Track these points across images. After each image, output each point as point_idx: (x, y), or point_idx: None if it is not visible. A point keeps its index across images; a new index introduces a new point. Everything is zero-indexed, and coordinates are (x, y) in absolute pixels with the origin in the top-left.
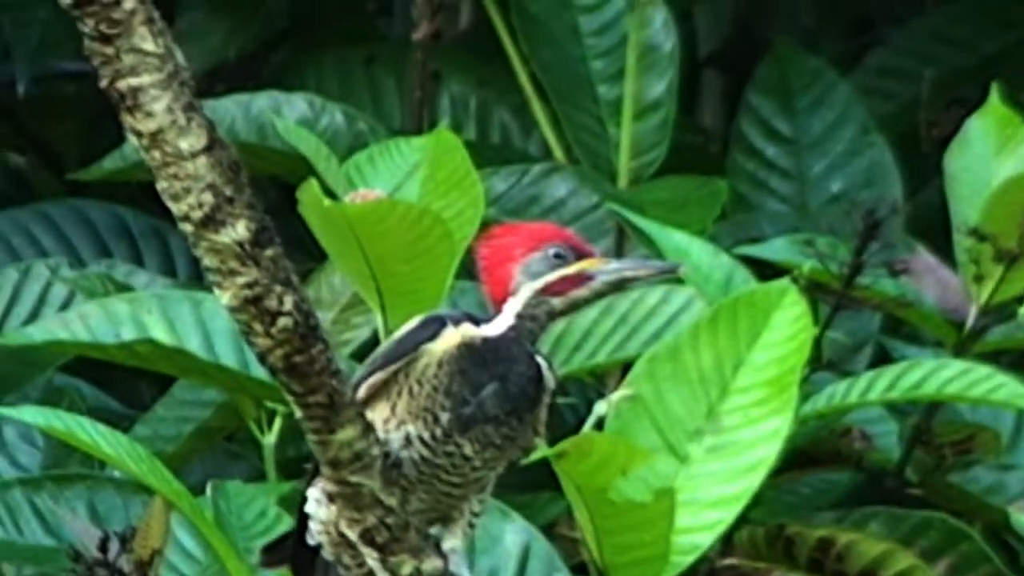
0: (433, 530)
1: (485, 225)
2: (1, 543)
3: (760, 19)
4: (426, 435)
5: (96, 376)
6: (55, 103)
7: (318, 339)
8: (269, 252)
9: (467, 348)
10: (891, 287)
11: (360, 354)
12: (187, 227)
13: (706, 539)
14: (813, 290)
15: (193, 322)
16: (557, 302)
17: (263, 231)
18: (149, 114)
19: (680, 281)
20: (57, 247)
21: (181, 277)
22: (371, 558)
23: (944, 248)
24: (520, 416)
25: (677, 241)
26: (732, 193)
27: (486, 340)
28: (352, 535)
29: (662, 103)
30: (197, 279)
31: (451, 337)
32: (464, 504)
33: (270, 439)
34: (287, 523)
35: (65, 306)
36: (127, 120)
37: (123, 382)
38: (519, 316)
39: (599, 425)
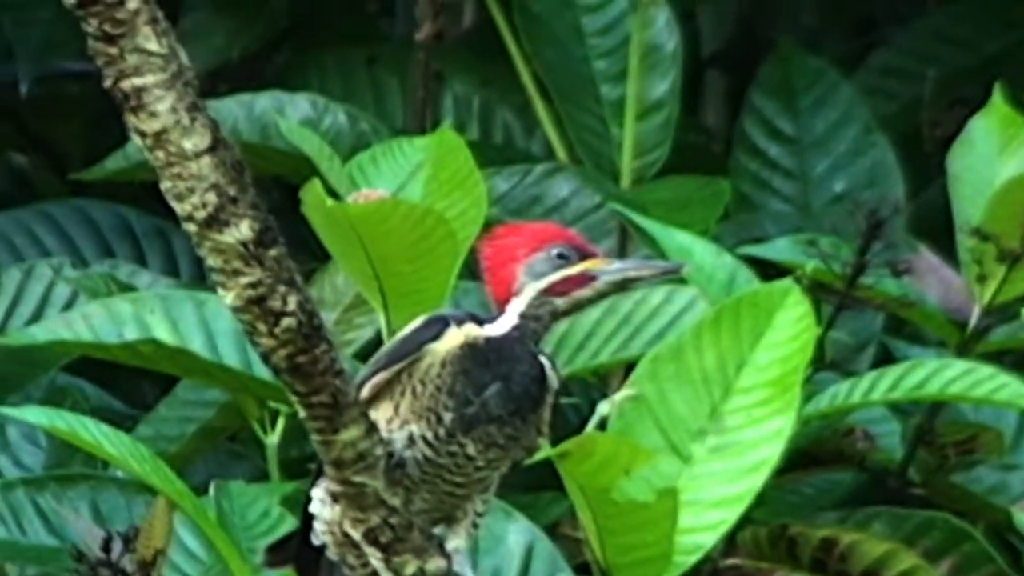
0: (437, 530)
1: (488, 225)
2: (4, 543)
3: (763, 19)
4: (429, 435)
5: (99, 376)
6: (58, 103)
7: (322, 339)
8: (273, 252)
9: (470, 348)
10: (894, 287)
11: (363, 354)
12: (191, 227)
13: (709, 539)
14: (816, 290)
15: (196, 322)
16: (560, 302)
17: (267, 231)
18: (153, 114)
19: (683, 281)
20: (60, 247)
21: (184, 277)
22: (375, 558)
23: (947, 248)
24: (523, 416)
25: (680, 241)
26: (735, 193)
27: (489, 340)
28: (356, 535)
29: (665, 103)
30: (200, 279)
31: (454, 337)
32: (468, 504)
33: (273, 439)
34: (290, 523)
35: (68, 306)
36: (131, 120)
37: (126, 382)
38: (522, 316)
39: (602, 425)
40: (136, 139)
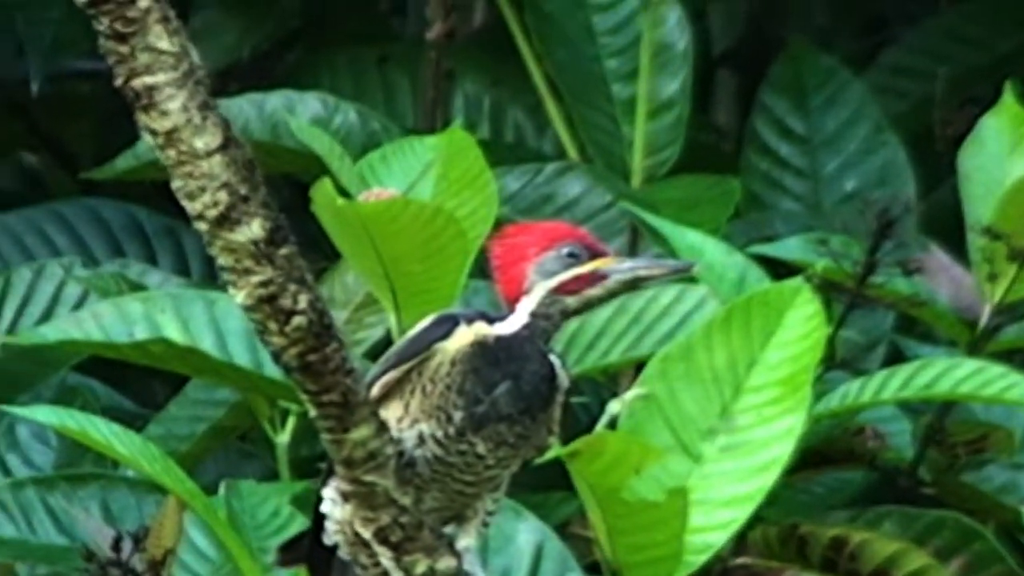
0: (447, 529)
1: (499, 224)
2: (15, 542)
3: (774, 18)
4: (439, 434)
5: (109, 375)
6: (69, 102)
7: (332, 338)
8: (284, 251)
9: (480, 347)
10: (905, 286)
11: (374, 353)
12: (202, 226)
13: (719, 538)
14: (827, 289)
15: (206, 321)
16: (571, 301)
17: (278, 230)
18: (164, 113)
19: (693, 280)
20: (71, 246)
21: (195, 276)
22: (385, 557)
23: (958, 247)
24: (533, 415)
25: (691, 240)
26: (746, 192)
27: (499, 339)
28: (366, 534)
29: (676, 102)
30: (211, 278)
31: (464, 336)
32: (478, 503)
33: (283, 438)
34: (300, 522)
35: (79, 305)
36: (142, 119)
37: (136, 381)
38: (533, 315)
39: (612, 424)
40: (147, 138)
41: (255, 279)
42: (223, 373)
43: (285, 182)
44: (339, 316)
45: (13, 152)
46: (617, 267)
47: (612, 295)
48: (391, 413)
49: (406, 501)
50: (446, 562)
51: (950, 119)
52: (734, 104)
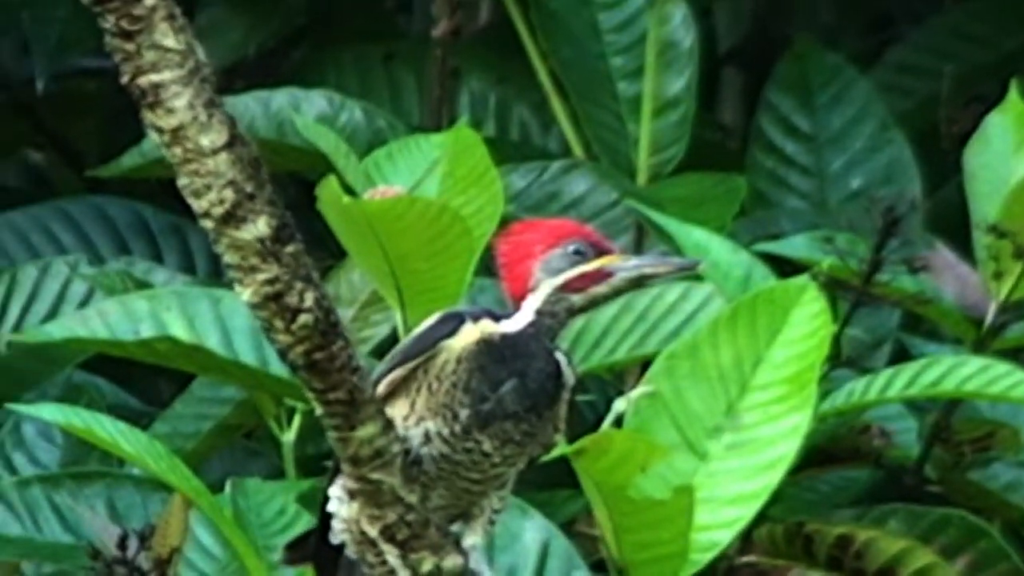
0: (454, 527)
1: (504, 222)
2: (20, 540)
3: (779, 16)
4: (445, 431)
5: (115, 373)
6: (74, 100)
7: (339, 335)
8: (290, 248)
9: (486, 344)
10: (910, 284)
11: (379, 351)
12: (208, 224)
13: (725, 536)
14: (832, 287)
15: (212, 319)
16: (577, 299)
17: (284, 227)
18: (170, 110)
19: (699, 278)
20: (76, 244)
21: (200, 274)
22: (392, 555)
23: (964, 245)
24: (539, 412)
25: (696, 238)
26: (751, 190)
27: (505, 336)
28: (373, 532)
29: (681, 100)
30: (216, 276)
31: (470, 333)
32: (484, 501)
33: (289, 436)
34: (306, 521)
35: (84, 303)
36: (148, 116)
37: (142, 379)
38: (539, 312)
39: (618, 422)
40: (153, 135)
41: (261, 277)
42: (229, 371)
43: (291, 180)
44: (345, 314)
45: (19, 150)
46: (623, 265)
47: (618, 293)
48: (397, 411)
49: (412, 499)
50: (452, 560)
51: (956, 117)
52: (740, 102)
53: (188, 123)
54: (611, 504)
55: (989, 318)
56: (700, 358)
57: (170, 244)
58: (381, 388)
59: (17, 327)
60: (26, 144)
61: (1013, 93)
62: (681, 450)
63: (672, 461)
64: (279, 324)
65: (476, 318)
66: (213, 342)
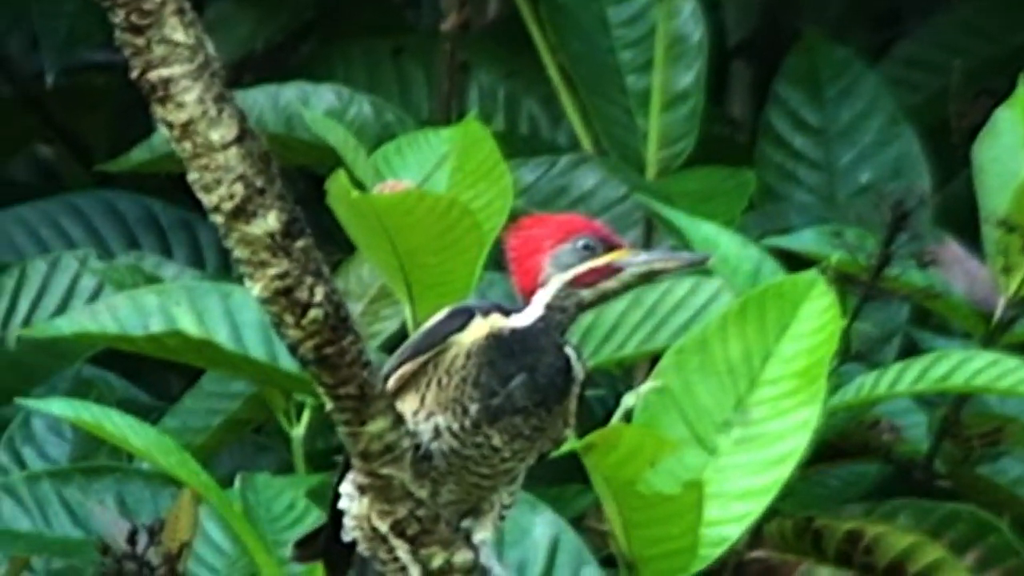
0: (464, 523)
1: (513, 216)
2: (30, 535)
3: (788, 10)
4: (455, 426)
5: (125, 368)
6: (84, 94)
7: (349, 330)
8: (300, 243)
9: (495, 339)
10: (919, 278)
11: (389, 346)
12: (218, 218)
13: (734, 531)
14: (841, 281)
15: (221, 314)
16: (586, 293)
17: (294, 222)
18: (180, 105)
19: (708, 272)
20: (86, 238)
21: (210, 269)
22: (402, 550)
23: (972, 239)
24: (549, 407)
25: (705, 232)
26: (760, 184)
27: (515, 331)
28: (383, 527)
29: (690, 93)
30: (226, 271)
31: (479, 328)
32: (494, 496)
33: (299, 431)
34: (316, 515)
35: (94, 298)
36: (158, 111)
37: (152, 374)
38: (548, 307)
39: (627, 417)
40: (163, 130)
41: (271, 272)
42: (238, 366)
43: (300, 174)
44: (355, 308)
45: (28, 144)
46: (632, 259)
47: (627, 287)
48: (407, 406)
49: (423, 494)
50: (463, 555)
51: (965, 111)
52: (749, 96)
53: (198, 118)
54: (621, 499)
55: (998, 312)
56: (709, 353)
57: (180, 239)
58: (391, 383)
59: (27, 322)
60: (35, 138)
61: (1022, 87)
62: (690, 445)
63: (681, 456)
64: (289, 319)
65: (486, 313)
66: (223, 337)
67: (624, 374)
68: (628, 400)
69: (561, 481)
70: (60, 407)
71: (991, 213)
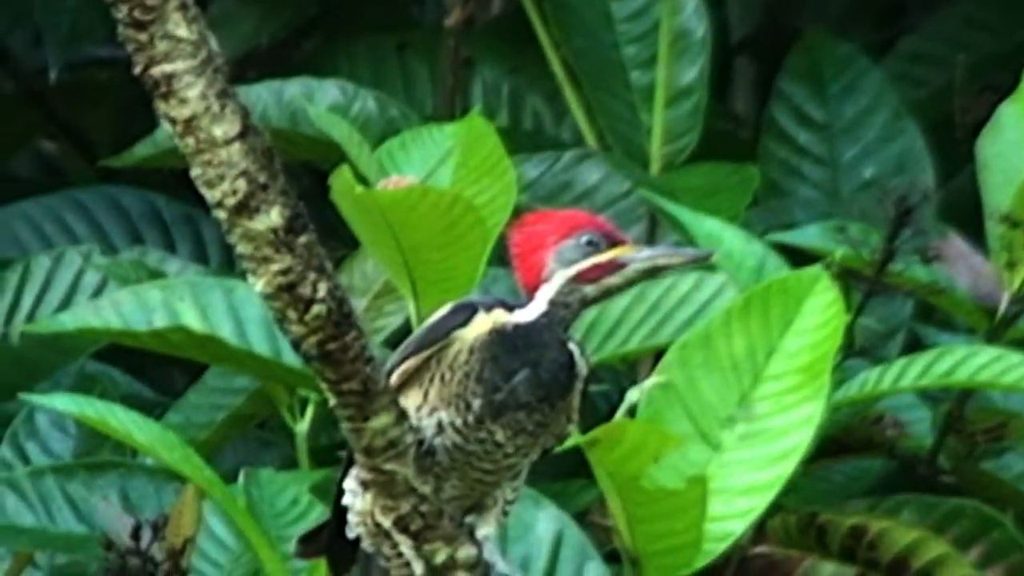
0: (467, 518)
1: (517, 211)
2: (34, 530)
3: (791, 5)
4: (458, 421)
5: (128, 363)
6: (87, 90)
7: (352, 326)
8: (303, 239)
9: (499, 334)
10: (923, 274)
11: (393, 342)
12: (221, 214)
13: (738, 527)
14: (845, 276)
15: (225, 309)
16: (590, 289)
17: (297, 218)
18: (183, 101)
19: (712, 268)
20: (89, 234)
21: (213, 264)
22: (405, 546)
23: (976, 235)
24: (552, 403)
25: (709, 227)
26: (764, 179)
27: (518, 326)
28: (386, 523)
29: (694, 89)
30: (229, 266)
31: (483, 323)
32: (497, 492)
33: (302, 427)
34: (319, 511)
35: (97, 293)
36: (161, 107)
37: (155, 369)
38: (552, 303)
39: (631, 412)
40: (166, 126)
41: (274, 267)
42: (242, 361)
43: (304, 170)
44: (358, 304)
45: (31, 140)
46: (636, 255)
47: (631, 283)
48: (410, 401)
49: (426, 489)
50: (466, 551)
51: (968, 106)
52: (752, 92)
53: (201, 113)
54: (624, 494)
55: (1002, 308)
56: (713, 348)
57: (183, 234)
58: (394, 379)
59: (30, 317)
60: (39, 134)
61: None
62: (694, 440)
63: (685, 451)
64: (292, 314)
65: (489, 308)
66: (226, 332)
67: (628, 369)
68: (632, 395)
69: (565, 476)
70: (64, 402)
71: (995, 209)
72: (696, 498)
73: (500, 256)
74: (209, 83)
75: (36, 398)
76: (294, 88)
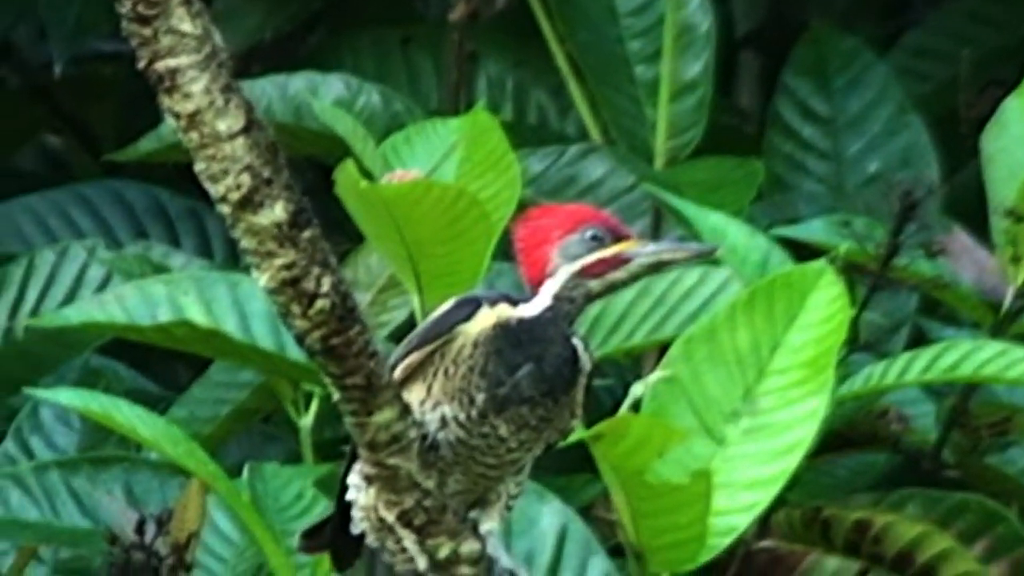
0: (470, 513)
1: (522, 206)
2: (38, 525)
3: (795, 1)
4: (462, 416)
5: (133, 358)
6: (92, 84)
7: (356, 321)
8: (307, 233)
9: (502, 329)
10: (928, 268)
11: (397, 336)
12: (225, 208)
13: (743, 521)
14: (850, 271)
15: (229, 304)
16: (594, 284)
17: (301, 212)
18: (187, 95)
19: (717, 262)
20: (94, 228)
21: (217, 258)
22: (409, 540)
23: (981, 229)
24: (555, 397)
25: (714, 222)
26: (768, 174)
27: (522, 321)
28: (390, 518)
29: (699, 83)
30: (233, 260)
31: (486, 318)
32: (500, 486)
33: (307, 421)
34: (324, 505)
35: (102, 287)
36: (165, 101)
37: (160, 364)
38: (556, 298)
39: (636, 407)
40: (170, 120)
41: (278, 262)
42: (246, 355)
43: (308, 164)
44: (363, 298)
45: (36, 134)
46: (640, 250)
47: (635, 278)
48: (413, 396)
49: (429, 484)
50: (470, 545)
51: (973, 101)
52: (757, 86)
53: (205, 108)
54: (629, 489)
55: (1007, 302)
56: (718, 342)
57: (187, 228)
58: (397, 373)
59: (35, 311)
60: (43, 128)
61: None
62: (699, 435)
63: (690, 446)
64: (296, 309)
65: (493, 303)
66: (230, 326)
67: (632, 364)
68: (636, 390)
69: (569, 471)
70: (68, 397)
71: (999, 203)
72: (700, 492)
73: (505, 250)
74: (213, 78)
75: (40, 392)
76: (298, 82)
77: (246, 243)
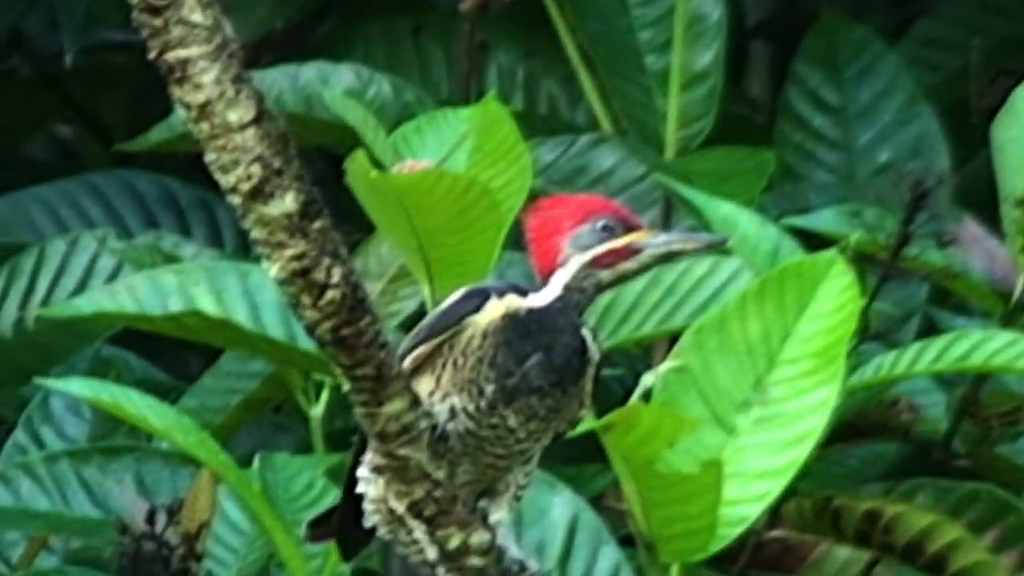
0: (480, 503)
1: (533, 196)
2: (49, 515)
3: None
4: (471, 407)
5: (144, 347)
6: (102, 74)
7: (366, 311)
8: (317, 224)
9: (511, 319)
10: (939, 258)
11: (408, 326)
12: (235, 199)
13: (753, 511)
14: (860, 261)
15: (240, 294)
16: (605, 274)
17: (311, 203)
18: (198, 86)
19: (727, 252)
20: (105, 218)
21: (228, 248)
22: (419, 531)
23: (992, 219)
24: (565, 388)
25: (724, 212)
26: (779, 163)
27: (531, 311)
28: (400, 508)
29: (709, 73)
30: (244, 250)
31: (495, 308)
32: (509, 476)
33: (317, 411)
34: (334, 495)
35: (112, 277)
36: (176, 92)
37: (170, 353)
38: (566, 288)
39: (646, 396)
40: (181, 111)
41: (288, 253)
42: (257, 345)
43: (319, 154)
44: (373, 288)
45: (47, 124)
46: (651, 241)
47: (646, 268)
48: (423, 387)
49: (440, 475)
50: (480, 536)
51: (984, 91)
52: (767, 76)
53: (215, 99)
54: (639, 478)
55: (1017, 292)
56: (728, 332)
57: (198, 218)
58: (406, 364)
59: (46, 301)
60: (54, 118)
61: None
62: (709, 424)
63: (700, 435)
64: (306, 300)
65: (501, 293)
66: (241, 316)
67: (643, 353)
68: (647, 379)
69: (580, 461)
70: (79, 387)
71: (1010, 193)
72: (711, 482)
73: (515, 240)
74: (224, 68)
75: (51, 382)
76: (309, 72)
77: (256, 233)
